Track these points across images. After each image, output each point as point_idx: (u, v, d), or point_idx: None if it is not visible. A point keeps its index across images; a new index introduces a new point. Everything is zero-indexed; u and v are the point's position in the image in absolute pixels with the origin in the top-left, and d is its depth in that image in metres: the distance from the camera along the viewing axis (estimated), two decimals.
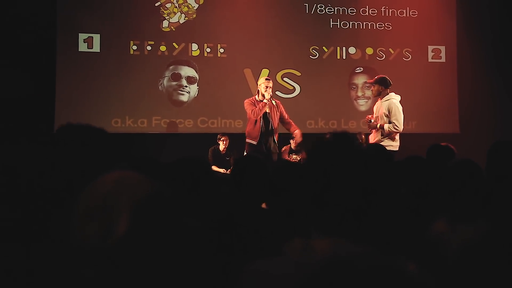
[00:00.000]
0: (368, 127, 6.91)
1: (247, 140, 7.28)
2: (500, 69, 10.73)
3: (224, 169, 9.13)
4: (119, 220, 1.39)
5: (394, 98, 6.81)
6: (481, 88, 10.75)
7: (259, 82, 7.28)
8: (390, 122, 6.68)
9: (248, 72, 10.28)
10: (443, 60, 10.84)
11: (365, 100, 10.57)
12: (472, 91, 10.71)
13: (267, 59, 10.20)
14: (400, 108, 6.81)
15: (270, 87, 7.11)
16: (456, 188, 2.26)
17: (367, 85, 8.36)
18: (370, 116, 6.91)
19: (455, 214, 2.10)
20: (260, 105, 7.07)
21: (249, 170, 2.80)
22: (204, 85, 10.19)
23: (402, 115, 6.74)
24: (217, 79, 10.14)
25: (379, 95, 6.85)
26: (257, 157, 2.90)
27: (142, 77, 9.90)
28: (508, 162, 2.66)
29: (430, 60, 10.82)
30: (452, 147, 4.66)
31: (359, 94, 10.55)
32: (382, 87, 6.76)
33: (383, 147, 3.98)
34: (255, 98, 7.22)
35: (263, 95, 7.14)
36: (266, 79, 7.17)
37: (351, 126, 10.42)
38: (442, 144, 4.67)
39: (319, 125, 10.30)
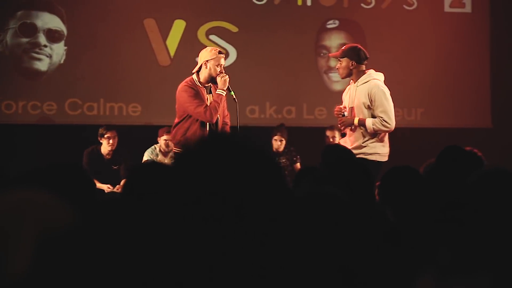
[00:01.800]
0: (341, 124, 6.04)
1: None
2: None
3: (109, 185, 7.88)
4: (15, 257, 1.40)
5: (376, 79, 6.01)
6: None
7: (205, 56, 6.06)
8: (373, 117, 5.97)
9: (150, 24, 8.89)
10: (468, 9, 9.61)
11: None
12: None
13: (183, 3, 9.03)
14: (388, 92, 5.96)
15: (223, 65, 6.14)
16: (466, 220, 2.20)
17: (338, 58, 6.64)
18: (342, 107, 6.08)
19: (446, 265, 1.88)
20: (216, 99, 5.96)
21: (152, 185, 2.48)
22: (77, 45, 8.86)
23: (392, 104, 5.99)
24: (99, 35, 8.82)
25: (350, 75, 6.05)
26: (162, 165, 2.67)
27: None
28: None
29: (447, 9, 9.57)
30: (477, 153, 4.57)
31: (333, 64, 9.11)
32: (354, 62, 5.97)
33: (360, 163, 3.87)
34: (194, 81, 6.02)
35: (213, 80, 5.99)
36: (219, 52, 6.05)
37: (319, 117, 9.26)
38: (466, 148, 4.57)
39: (267, 114, 9.13)
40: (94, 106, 8.73)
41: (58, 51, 8.66)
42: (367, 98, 5.94)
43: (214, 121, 6.01)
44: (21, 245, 1.38)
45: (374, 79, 6.01)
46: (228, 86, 6.00)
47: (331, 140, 7.88)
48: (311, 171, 3.65)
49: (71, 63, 8.68)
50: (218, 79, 5.94)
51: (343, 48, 6.15)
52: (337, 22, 9.31)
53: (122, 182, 7.17)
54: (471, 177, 2.98)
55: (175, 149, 6.21)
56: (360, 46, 6.16)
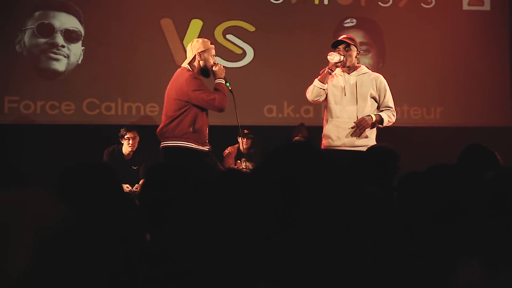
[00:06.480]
0: (361, 128, 5.68)
1: (192, 145, 5.83)
2: None
3: (128, 185, 7.70)
4: (17, 255, 1.39)
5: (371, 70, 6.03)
6: None
7: (199, 48, 5.92)
8: (377, 107, 5.84)
9: (167, 23, 8.83)
10: (486, 7, 9.47)
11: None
12: None
13: (199, 3, 8.93)
14: None
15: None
16: (498, 214, 2.17)
17: (353, 47, 6.15)
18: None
19: (494, 254, 1.91)
20: (219, 88, 5.82)
21: (174, 187, 2.46)
22: (94, 45, 8.77)
23: None
24: (116, 35, 8.74)
25: (357, 63, 5.87)
26: (187, 168, 2.59)
27: None
28: None
29: (466, 7, 9.45)
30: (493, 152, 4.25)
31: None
32: (359, 52, 5.87)
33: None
34: (196, 72, 5.87)
35: (205, 72, 5.89)
36: (211, 43, 6.00)
37: None
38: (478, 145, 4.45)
39: (285, 114, 8.99)
40: (112, 106, 8.63)
41: (76, 51, 8.59)
42: (375, 90, 5.81)
43: (225, 109, 5.88)
44: (22, 244, 1.38)
45: (372, 71, 5.93)
46: (224, 77, 5.87)
47: None
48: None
49: (88, 63, 8.60)
50: (216, 68, 5.84)
51: (346, 36, 5.98)
52: (354, 21, 9.18)
53: (140, 182, 7.01)
54: (487, 174, 2.90)
55: (179, 143, 5.91)
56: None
